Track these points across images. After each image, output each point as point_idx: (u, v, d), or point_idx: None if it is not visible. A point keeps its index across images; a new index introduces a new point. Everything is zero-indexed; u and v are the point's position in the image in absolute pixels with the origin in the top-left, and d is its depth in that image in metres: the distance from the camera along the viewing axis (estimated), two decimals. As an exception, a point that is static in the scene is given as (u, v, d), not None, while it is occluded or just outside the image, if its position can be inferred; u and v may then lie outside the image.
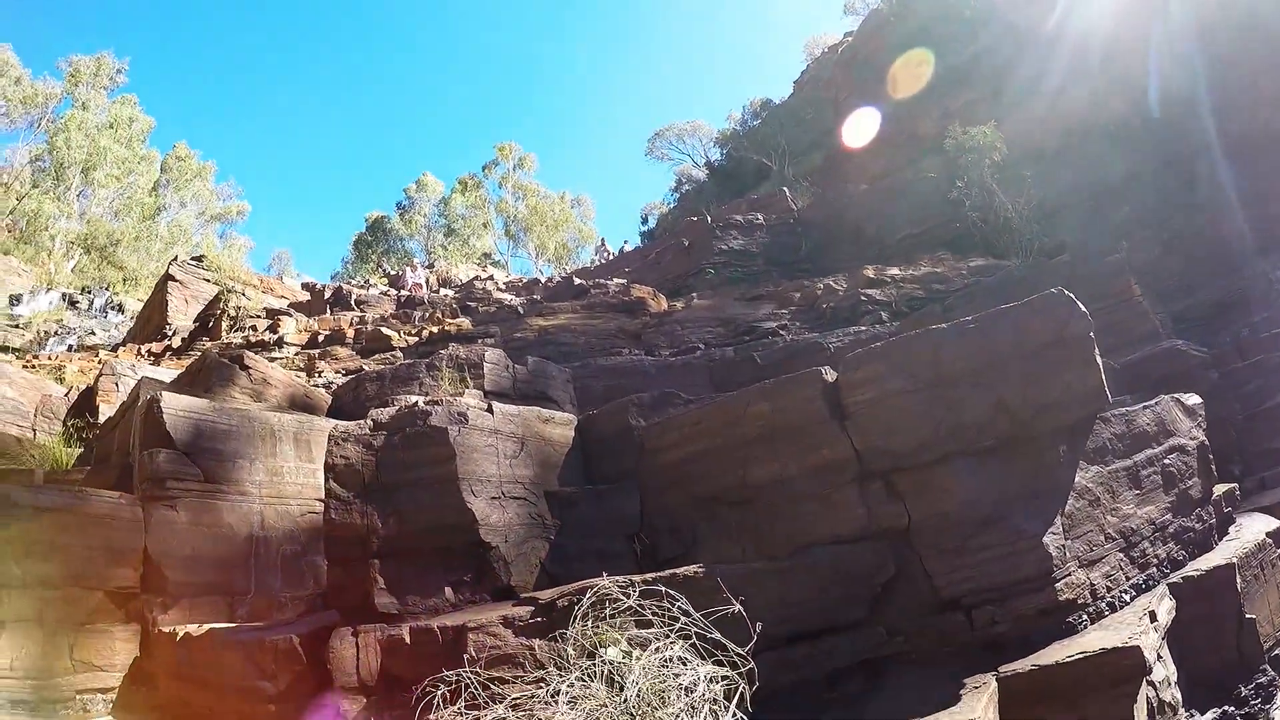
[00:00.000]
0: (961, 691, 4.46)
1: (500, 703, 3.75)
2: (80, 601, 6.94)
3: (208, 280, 18.90)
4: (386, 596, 5.34)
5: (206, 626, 6.44)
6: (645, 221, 49.13)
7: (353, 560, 5.50)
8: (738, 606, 3.96)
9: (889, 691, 4.89)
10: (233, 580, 7.41)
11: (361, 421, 5.83)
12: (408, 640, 4.86)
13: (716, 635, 3.87)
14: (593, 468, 6.60)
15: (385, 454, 5.62)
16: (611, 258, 30.62)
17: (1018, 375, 5.23)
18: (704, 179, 44.71)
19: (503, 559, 5.55)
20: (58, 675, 6.75)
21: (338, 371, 13.13)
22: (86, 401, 11.11)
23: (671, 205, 47.10)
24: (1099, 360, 5.21)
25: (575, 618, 4.13)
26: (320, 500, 7.82)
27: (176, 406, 7.58)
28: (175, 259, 21.10)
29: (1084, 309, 5.29)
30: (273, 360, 11.90)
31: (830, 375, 5.66)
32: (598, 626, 4.14)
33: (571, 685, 3.74)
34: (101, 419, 10.46)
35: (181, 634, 6.34)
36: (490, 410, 5.88)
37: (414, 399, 9.58)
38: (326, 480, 5.61)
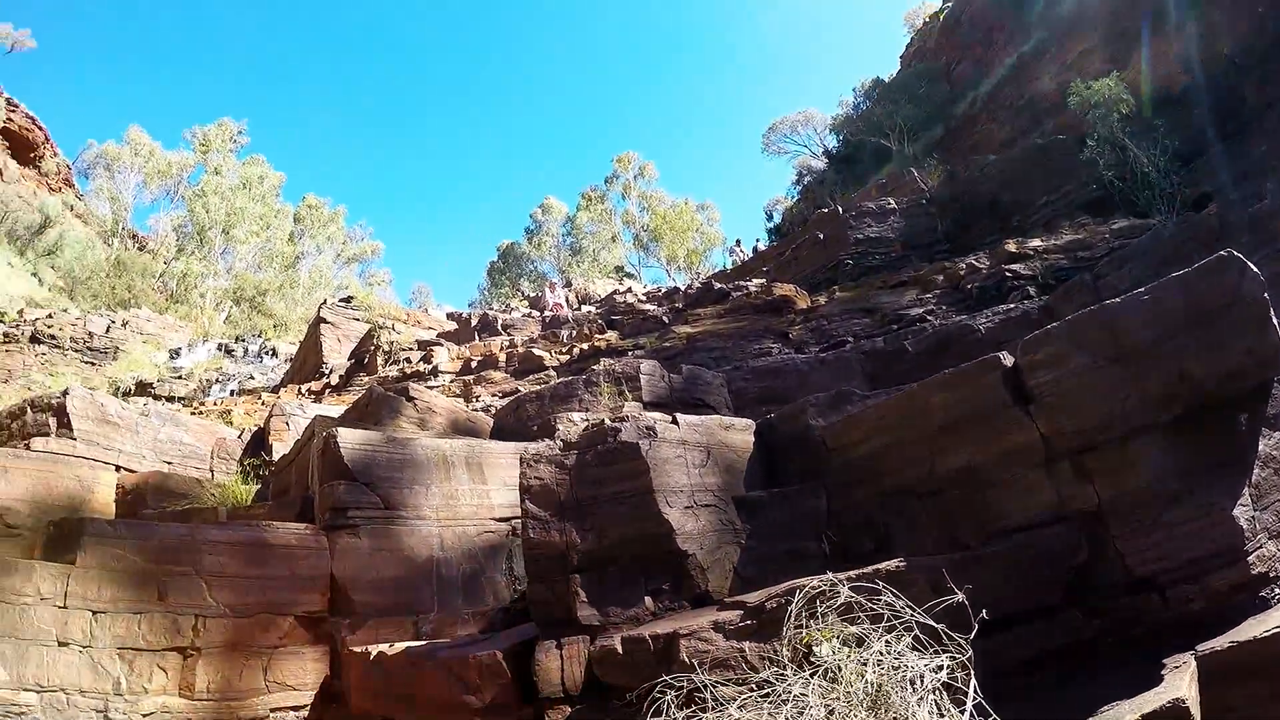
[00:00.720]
0: (1163, 672, 4.25)
1: (721, 706, 3.72)
2: (273, 626, 7.49)
3: (357, 319, 19.66)
4: (588, 609, 5.47)
5: (401, 645, 6.75)
6: (770, 218, 48.60)
7: (552, 576, 5.64)
8: (961, 596, 3.86)
9: (1088, 675, 4.73)
10: (415, 600, 7.77)
11: (550, 442, 5.97)
12: (619, 650, 5.03)
13: (933, 626, 3.76)
14: (775, 470, 6.56)
15: (578, 472, 5.76)
16: (746, 258, 30.40)
17: (1195, 343, 4.96)
18: (824, 168, 44.13)
19: (699, 566, 5.60)
20: (253, 695, 7.29)
21: (494, 395, 13.41)
22: (259, 441, 11.65)
23: (795, 199, 46.53)
24: (1275, 321, 4.89)
25: (789, 617, 4.11)
26: (496, 521, 8.06)
27: (352, 440, 7.98)
28: (325, 302, 22.05)
29: (1255, 269, 4.98)
30: (430, 389, 12.20)
31: (1008, 359, 5.49)
32: (809, 625, 4.06)
33: (793, 684, 3.68)
34: (275, 456, 10.92)
35: (374, 653, 6.66)
36: (675, 422, 5.93)
37: (595, 416, 9.68)
38: (523, 501, 5.78)
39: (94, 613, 7.35)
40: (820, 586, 4.17)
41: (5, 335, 32.15)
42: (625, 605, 5.49)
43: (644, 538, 5.59)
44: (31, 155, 69.74)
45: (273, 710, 7.35)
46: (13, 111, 68.64)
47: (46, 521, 8.16)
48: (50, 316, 33.82)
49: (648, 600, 5.51)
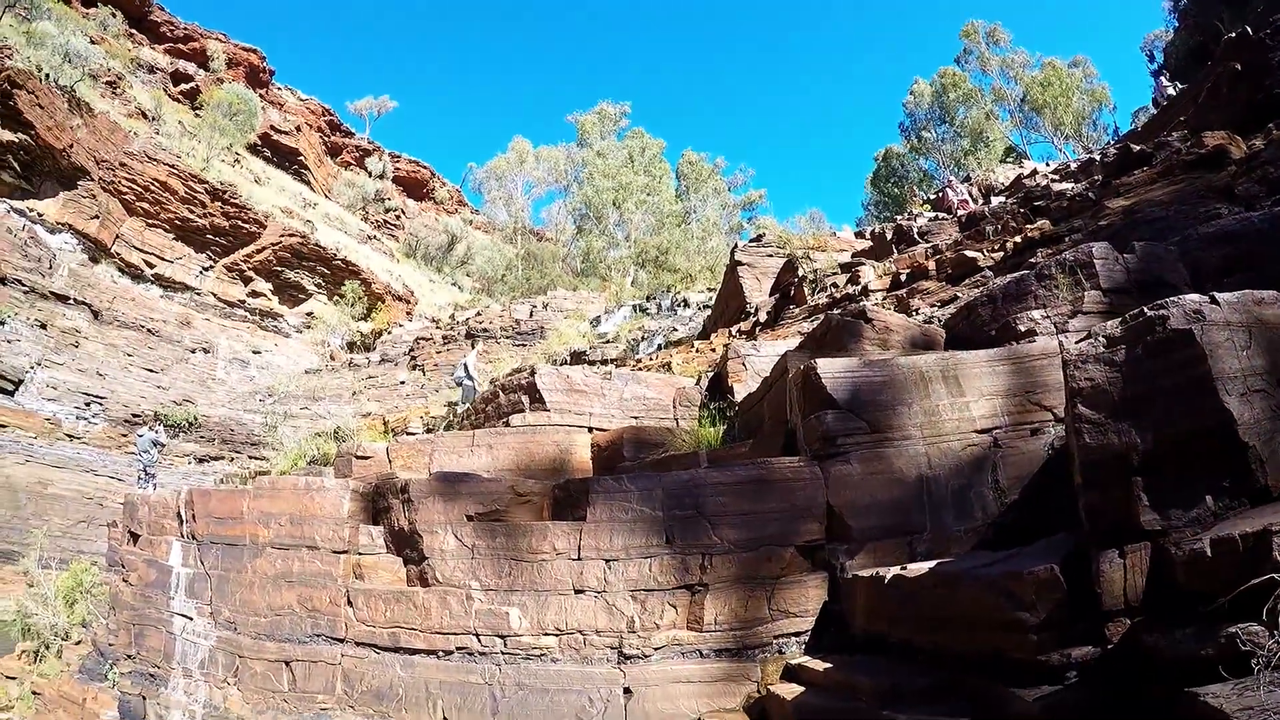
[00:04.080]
0: None
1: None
2: (775, 558, 7.76)
3: (770, 255, 19.78)
4: (1150, 513, 5.05)
5: (917, 566, 6.72)
6: (1152, 59, 43.22)
7: (1109, 480, 5.25)
8: None
9: None
10: (907, 521, 7.71)
11: (1092, 340, 5.54)
12: (1208, 553, 4.54)
13: None
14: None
15: (1129, 368, 5.28)
16: (1157, 109, 27.06)
17: None
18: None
19: (1259, 458, 4.95)
20: (758, 624, 7.65)
21: (931, 305, 12.89)
22: (717, 385, 11.95)
23: (1172, 29, 40.95)
24: None
25: None
26: (978, 434, 7.65)
27: (831, 369, 8.04)
28: (737, 245, 22.41)
29: None
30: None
31: None
32: None
33: None
34: (737, 397, 11.16)
35: (889, 575, 6.69)
36: (1215, 302, 5.22)
37: (1034, 313, 8.98)
38: (1073, 405, 5.49)
39: (607, 561, 7.99)
40: None
41: (445, 337, 36.40)
42: (1186, 507, 4.99)
43: (1202, 432, 5.03)
44: (424, 191, 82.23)
45: (776, 637, 7.66)
46: (397, 162, 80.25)
47: (552, 485, 8.93)
48: (478, 314, 37.87)
49: (1208, 500, 4.96)
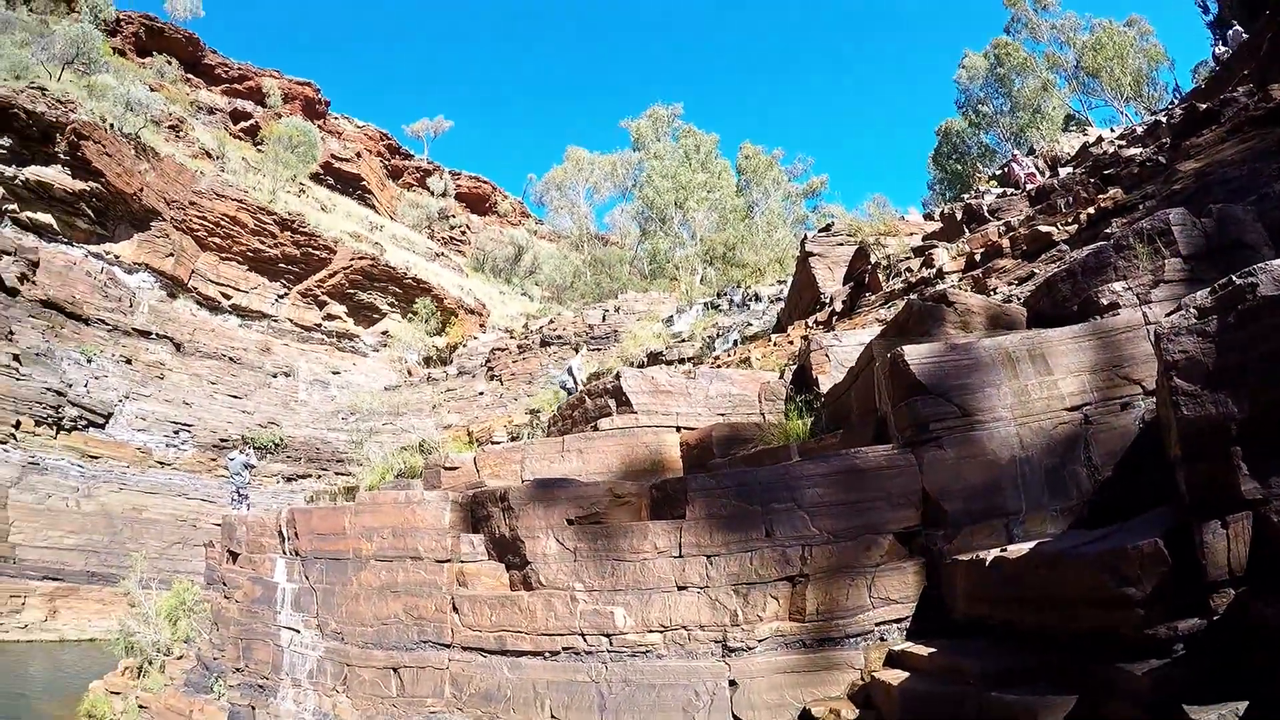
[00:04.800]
0: None
1: None
2: (873, 546, 7.88)
3: (841, 244, 19.75)
4: (1250, 482, 5.04)
5: (1018, 547, 6.78)
6: (1206, 10, 41.51)
7: (1209, 451, 5.27)
8: None
9: None
10: (1004, 503, 7.73)
11: (1183, 312, 5.58)
12: None
13: None
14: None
15: (1222, 338, 5.32)
16: (1217, 64, 26.23)
17: None
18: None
19: None
20: (859, 612, 7.75)
21: (1009, 284, 12.80)
22: (801, 377, 12.05)
23: None
24: None
25: None
26: (1068, 411, 7.66)
27: (917, 355, 8.11)
28: (806, 236, 22.40)
29: None
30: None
31: None
32: None
33: None
34: (823, 389, 11.27)
35: (990, 558, 6.76)
36: None
37: (1115, 286, 8.94)
38: (1168, 378, 5.50)
39: (708, 557, 8.20)
40: None
41: (519, 347, 37.02)
42: (1287, 473, 5.01)
43: (1298, 398, 5.05)
44: (486, 205, 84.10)
45: (877, 624, 7.76)
46: (458, 179, 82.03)
47: (649, 486, 9.19)
48: (551, 322, 38.42)
49: (1309, 465, 4.97)
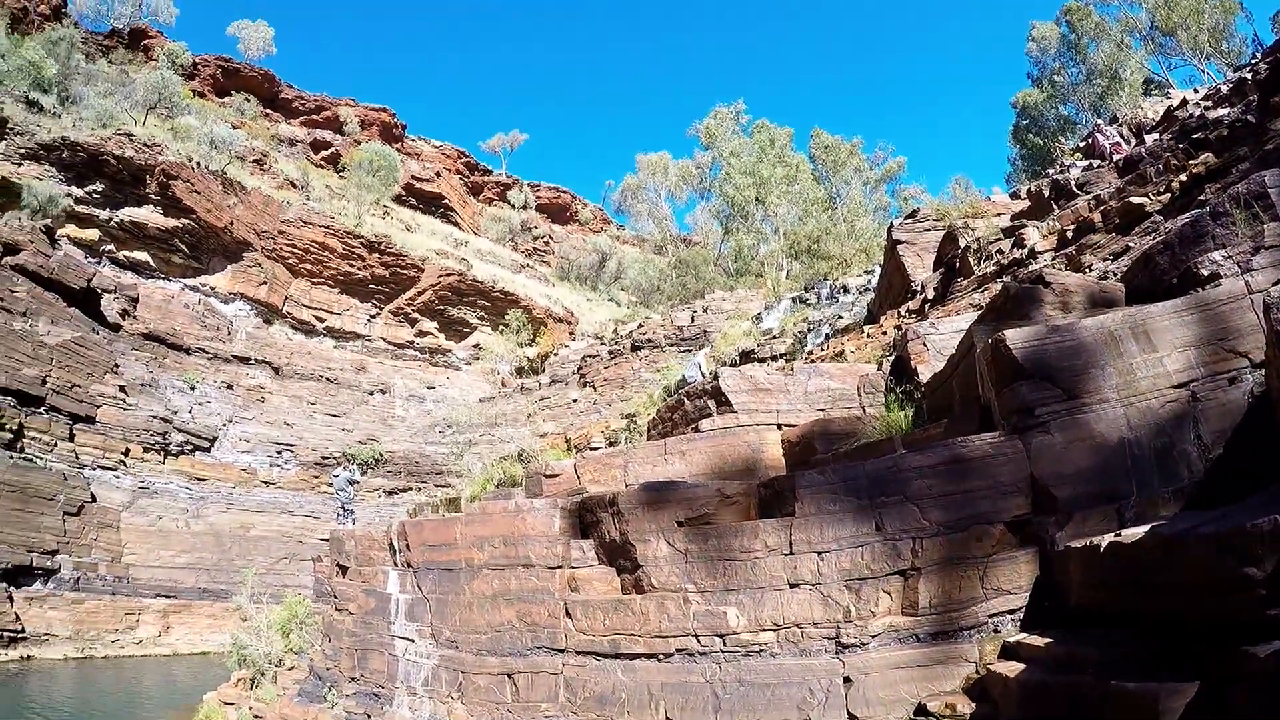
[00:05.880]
0: None
1: None
2: (985, 536, 7.81)
3: (928, 230, 19.54)
4: None
5: (1133, 531, 6.63)
6: None
7: None
8: None
9: None
10: (1114, 487, 7.61)
11: None
12: None
13: None
14: None
15: None
16: None
17: None
18: None
19: None
20: (972, 604, 7.71)
21: (1104, 259, 12.53)
22: (899, 368, 11.98)
23: None
24: None
25: None
26: (1175, 389, 7.54)
27: (1018, 339, 8.03)
28: (892, 224, 22.23)
29: None
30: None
31: None
32: None
33: None
34: (923, 378, 11.20)
35: (1105, 543, 6.61)
36: None
37: (1214, 255, 8.73)
38: (1277, 349, 5.38)
39: (819, 553, 8.28)
40: None
41: (610, 352, 37.39)
42: None
43: None
44: (567, 215, 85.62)
45: (991, 616, 7.69)
46: (537, 191, 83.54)
47: (756, 485, 9.34)
48: (640, 325, 38.74)
49: None
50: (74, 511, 30.59)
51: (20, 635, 27.55)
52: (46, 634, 28.32)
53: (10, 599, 27.70)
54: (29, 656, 27.32)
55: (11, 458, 29.16)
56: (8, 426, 29.48)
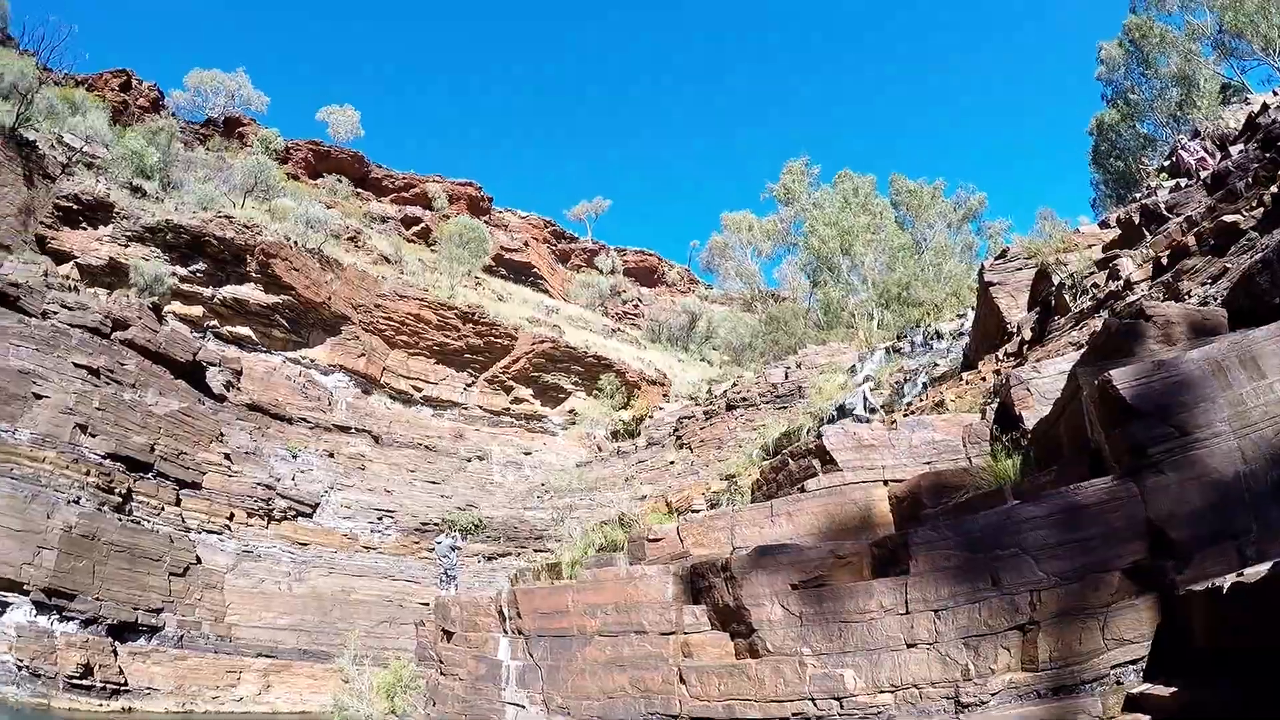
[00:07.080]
0: None
1: None
2: (1102, 584, 7.59)
3: (1019, 269, 19.25)
4: None
5: (1263, 569, 6.28)
6: None
7: None
8: None
9: None
10: (1232, 524, 7.32)
11: None
12: None
13: None
14: None
15: None
16: None
17: None
18: None
19: None
20: (1093, 656, 7.45)
21: (1202, 284, 12.14)
22: (1004, 415, 11.81)
23: None
24: None
25: None
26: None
27: (1124, 378, 7.82)
28: (983, 265, 22.01)
29: None
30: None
31: None
32: None
33: None
34: (1028, 425, 11.02)
35: (1227, 585, 6.36)
36: None
37: None
38: None
39: (935, 611, 8.19)
40: None
41: (706, 413, 37.68)
42: None
43: None
44: (654, 277, 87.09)
45: (1113, 667, 7.43)
46: (624, 255, 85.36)
47: (869, 544, 9.31)
48: (734, 384, 39.05)
49: None
50: (179, 572, 31.56)
51: (123, 687, 28.30)
52: (149, 688, 29.06)
53: (115, 653, 28.52)
54: (130, 709, 28.05)
55: (120, 520, 30.25)
56: (117, 490, 30.63)
